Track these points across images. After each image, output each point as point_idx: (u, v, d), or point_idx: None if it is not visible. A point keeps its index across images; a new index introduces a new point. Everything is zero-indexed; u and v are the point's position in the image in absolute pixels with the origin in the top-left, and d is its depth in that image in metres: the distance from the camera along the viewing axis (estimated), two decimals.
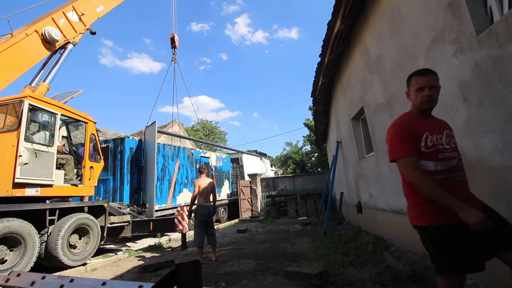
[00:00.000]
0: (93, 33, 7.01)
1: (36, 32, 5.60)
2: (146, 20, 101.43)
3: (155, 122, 9.11)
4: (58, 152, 5.57)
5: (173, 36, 11.79)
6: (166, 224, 7.15)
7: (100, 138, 7.24)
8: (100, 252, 6.25)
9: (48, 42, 5.79)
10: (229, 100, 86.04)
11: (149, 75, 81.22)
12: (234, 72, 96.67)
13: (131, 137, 9.15)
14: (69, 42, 6.34)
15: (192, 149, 12.48)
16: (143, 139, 9.45)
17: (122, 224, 6.88)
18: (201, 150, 13.04)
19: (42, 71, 6.17)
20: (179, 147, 10.97)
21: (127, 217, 6.93)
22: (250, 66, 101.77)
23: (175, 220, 6.82)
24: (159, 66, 78.63)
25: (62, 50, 6.32)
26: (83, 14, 6.58)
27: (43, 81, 5.97)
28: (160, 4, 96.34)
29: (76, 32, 6.48)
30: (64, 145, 6.26)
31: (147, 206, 8.33)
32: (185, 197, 10.32)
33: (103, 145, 8.56)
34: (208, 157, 12.92)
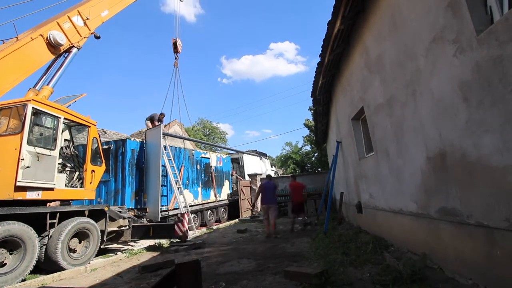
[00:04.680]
0: (97, 37, 7.04)
1: (41, 36, 5.64)
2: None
3: (160, 124, 9.15)
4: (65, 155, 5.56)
5: (176, 41, 11.93)
6: (166, 230, 7.13)
7: (101, 138, 7.23)
8: (100, 252, 6.24)
9: (53, 46, 5.82)
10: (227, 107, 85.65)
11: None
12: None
13: (132, 139, 9.14)
14: (73, 46, 6.38)
15: (193, 150, 12.51)
16: (144, 141, 9.45)
17: (122, 228, 6.87)
18: (201, 151, 13.08)
19: (46, 75, 6.21)
20: (180, 148, 10.95)
21: (125, 222, 6.89)
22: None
23: (175, 226, 6.84)
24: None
25: (67, 54, 6.36)
26: (88, 19, 6.63)
27: (47, 85, 5.98)
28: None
29: (81, 36, 6.53)
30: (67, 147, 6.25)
31: (147, 210, 8.30)
32: (185, 198, 10.32)
33: (104, 147, 8.54)
34: (209, 158, 12.96)
